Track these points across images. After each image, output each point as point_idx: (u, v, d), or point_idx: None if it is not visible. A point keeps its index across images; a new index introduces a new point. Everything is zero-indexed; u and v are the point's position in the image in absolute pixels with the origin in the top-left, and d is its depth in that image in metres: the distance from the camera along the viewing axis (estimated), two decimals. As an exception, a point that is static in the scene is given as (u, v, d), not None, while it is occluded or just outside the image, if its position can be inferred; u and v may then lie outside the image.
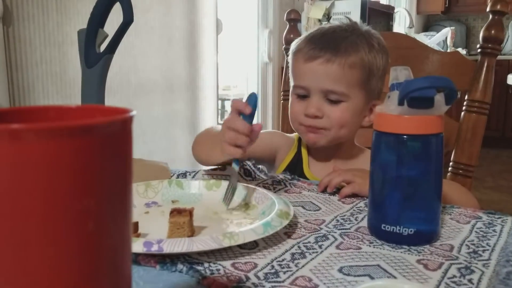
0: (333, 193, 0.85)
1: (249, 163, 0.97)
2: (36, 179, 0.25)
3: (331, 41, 0.96)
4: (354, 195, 0.84)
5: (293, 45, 1.02)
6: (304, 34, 1.03)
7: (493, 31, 1.16)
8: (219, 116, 3.41)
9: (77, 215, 0.26)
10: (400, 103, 0.62)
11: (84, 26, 0.92)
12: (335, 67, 0.95)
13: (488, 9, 1.16)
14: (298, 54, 0.99)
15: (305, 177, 1.01)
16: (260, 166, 0.99)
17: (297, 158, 1.08)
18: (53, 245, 0.26)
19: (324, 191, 0.86)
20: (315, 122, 0.98)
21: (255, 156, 1.00)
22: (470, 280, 0.53)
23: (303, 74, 0.98)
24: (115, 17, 0.91)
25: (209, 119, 2.47)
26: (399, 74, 0.67)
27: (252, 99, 0.78)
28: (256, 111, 0.82)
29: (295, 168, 1.05)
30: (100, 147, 0.27)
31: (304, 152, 1.08)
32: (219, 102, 3.47)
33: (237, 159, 0.79)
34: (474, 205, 0.89)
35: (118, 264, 0.30)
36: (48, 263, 0.27)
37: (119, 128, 0.28)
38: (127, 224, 0.30)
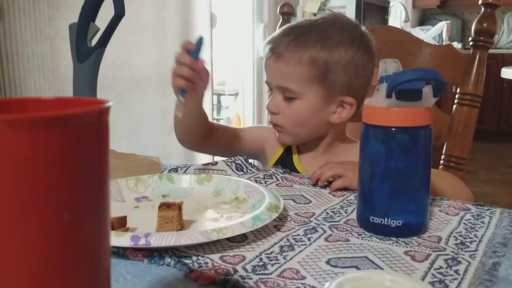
0: (324, 187, 0.85)
1: (241, 158, 0.98)
2: (11, 170, 0.25)
3: (285, 37, 0.97)
4: (345, 188, 0.84)
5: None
6: None
7: (485, 24, 1.16)
8: (215, 111, 3.41)
9: (52, 207, 0.26)
10: (388, 95, 0.62)
11: (76, 20, 0.92)
12: (282, 65, 0.96)
13: (480, 2, 1.16)
14: (264, 50, 1.01)
15: (296, 171, 1.02)
16: (251, 161, 0.99)
17: (287, 153, 1.09)
18: (28, 237, 0.26)
19: (315, 184, 0.87)
20: (274, 119, 1.01)
21: (244, 148, 1.01)
22: (456, 271, 0.53)
23: (266, 70, 1.02)
24: (107, 11, 0.91)
25: (204, 114, 2.46)
26: (388, 66, 0.67)
27: (198, 39, 0.88)
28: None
29: (285, 163, 1.05)
30: (75, 138, 0.27)
31: (293, 146, 1.09)
32: (215, 97, 3.48)
33: (183, 91, 0.87)
34: (467, 196, 0.89)
35: (96, 257, 0.30)
36: (24, 256, 0.27)
37: (95, 119, 0.28)
38: (104, 217, 0.30)
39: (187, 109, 0.93)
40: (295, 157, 1.07)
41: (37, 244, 0.27)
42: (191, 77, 0.86)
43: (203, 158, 2.27)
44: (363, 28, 1.03)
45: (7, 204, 0.26)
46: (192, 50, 0.87)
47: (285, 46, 0.96)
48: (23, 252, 0.26)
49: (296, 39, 0.95)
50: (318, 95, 0.97)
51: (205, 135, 1.05)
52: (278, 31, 1.01)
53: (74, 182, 0.27)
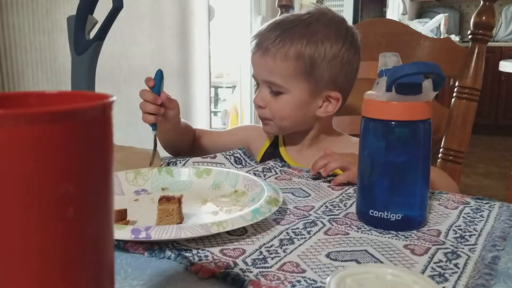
0: (324, 179, 0.85)
1: (239, 151, 0.98)
2: (15, 164, 0.25)
3: (271, 33, 0.97)
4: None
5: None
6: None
7: (484, 17, 1.16)
8: (212, 104, 3.41)
9: (57, 201, 0.26)
10: (388, 89, 0.62)
11: (74, 12, 0.91)
12: (268, 60, 0.97)
13: (479, -5, 1.16)
14: (251, 45, 1.02)
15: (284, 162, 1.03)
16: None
17: (273, 146, 1.11)
18: (32, 231, 0.26)
19: (316, 174, 0.86)
20: (260, 112, 1.02)
21: (229, 148, 1.02)
22: (456, 265, 0.53)
23: (252, 65, 1.02)
24: (105, 3, 0.90)
25: (202, 107, 2.46)
26: (388, 60, 0.67)
27: (157, 75, 0.94)
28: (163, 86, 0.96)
29: (273, 155, 1.06)
30: (79, 132, 0.27)
31: (280, 139, 1.11)
32: (212, 89, 3.47)
33: (153, 124, 0.95)
34: (455, 190, 0.90)
35: (100, 250, 0.30)
36: (28, 249, 0.27)
37: (99, 113, 0.28)
38: (108, 210, 0.30)
39: (166, 133, 1.02)
40: (282, 149, 1.08)
41: (42, 238, 0.27)
42: (156, 112, 0.93)
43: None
44: (348, 23, 1.03)
45: (12, 198, 0.26)
46: (153, 86, 0.94)
47: (271, 41, 0.96)
48: (27, 245, 0.27)
49: (282, 35, 0.96)
50: (304, 90, 0.98)
51: (190, 146, 1.13)
52: (264, 25, 1.01)
53: (79, 176, 0.27)
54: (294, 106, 0.99)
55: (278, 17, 1.03)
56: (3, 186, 0.26)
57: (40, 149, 0.26)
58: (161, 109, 0.94)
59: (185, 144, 1.11)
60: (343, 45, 0.98)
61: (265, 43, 0.97)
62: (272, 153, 1.09)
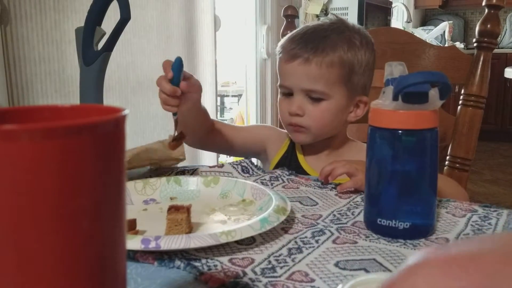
0: (331, 187, 0.86)
1: (246, 160, 0.98)
2: (29, 179, 0.26)
3: (309, 41, 0.98)
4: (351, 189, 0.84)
5: (278, 45, 1.05)
6: (289, 33, 1.05)
7: (489, 25, 1.17)
8: (218, 113, 3.42)
9: (71, 214, 0.27)
10: (395, 98, 0.63)
11: (82, 24, 0.92)
12: (312, 67, 0.97)
13: (484, 3, 1.17)
14: (281, 54, 1.02)
15: (302, 170, 1.03)
16: (256, 162, 1.00)
17: (291, 152, 1.10)
18: (47, 244, 0.27)
19: (322, 183, 0.87)
20: (298, 120, 1.01)
21: (245, 147, 1.02)
22: (464, 273, 0.53)
23: (286, 74, 1.02)
24: (113, 14, 0.91)
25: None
26: (394, 69, 0.67)
27: (175, 63, 0.86)
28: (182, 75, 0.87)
29: (290, 161, 1.07)
30: (93, 146, 0.27)
31: (298, 145, 1.11)
32: (218, 98, 3.48)
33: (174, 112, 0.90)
34: (465, 198, 0.90)
35: (113, 262, 0.30)
36: (43, 262, 0.27)
37: (112, 127, 0.29)
38: (121, 222, 0.30)
39: (187, 112, 0.95)
40: (300, 157, 1.08)
41: (56, 250, 0.27)
42: (175, 103, 0.88)
43: (208, 160, 2.28)
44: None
45: (28, 212, 0.26)
46: (169, 78, 0.85)
47: (312, 51, 0.97)
48: (42, 256, 0.27)
49: (322, 43, 0.98)
50: (343, 95, 1.00)
51: (207, 133, 1.09)
52: (293, 35, 1.02)
53: (92, 189, 0.28)
54: (334, 111, 1.00)
55: (306, 27, 1.03)
56: (18, 200, 0.26)
57: (54, 163, 0.26)
58: (179, 99, 0.88)
59: (203, 129, 1.07)
60: (372, 52, 1.02)
61: (304, 52, 0.97)
62: (290, 159, 1.09)
